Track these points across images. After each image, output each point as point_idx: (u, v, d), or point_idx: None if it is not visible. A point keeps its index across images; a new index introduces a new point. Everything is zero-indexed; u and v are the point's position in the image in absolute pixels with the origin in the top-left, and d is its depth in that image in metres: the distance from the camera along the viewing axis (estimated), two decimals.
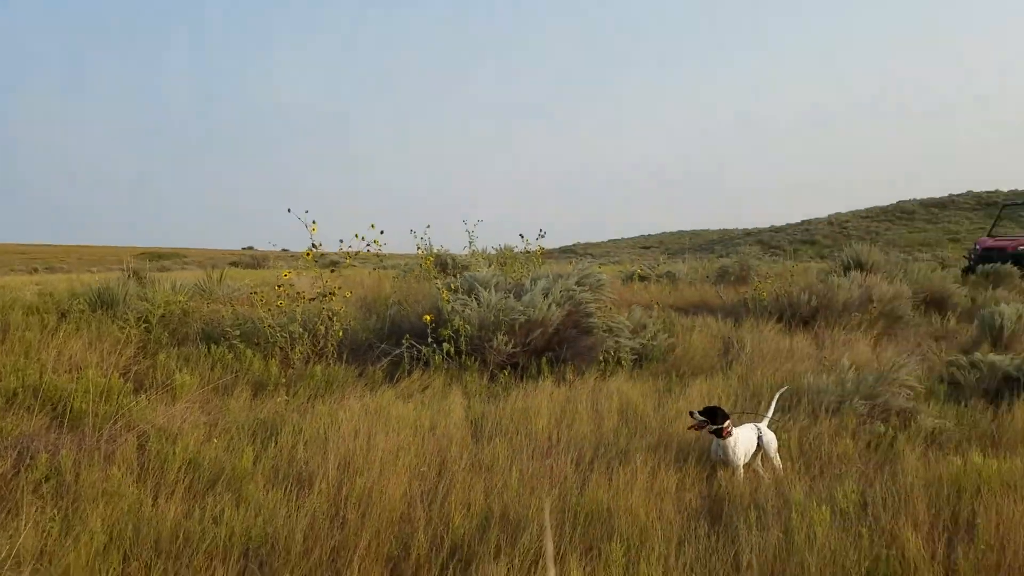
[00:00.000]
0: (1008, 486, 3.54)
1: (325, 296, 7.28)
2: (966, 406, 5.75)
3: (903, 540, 3.10)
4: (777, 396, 5.05)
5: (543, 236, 10.31)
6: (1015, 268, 14.50)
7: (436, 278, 9.43)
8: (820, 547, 3.02)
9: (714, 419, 4.49)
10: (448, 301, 7.53)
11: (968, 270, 15.37)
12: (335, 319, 7.26)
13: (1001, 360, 6.40)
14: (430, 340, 7.14)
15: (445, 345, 7.09)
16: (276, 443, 4.50)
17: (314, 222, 7.49)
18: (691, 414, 4.56)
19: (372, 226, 8.62)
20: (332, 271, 8.24)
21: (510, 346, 7.42)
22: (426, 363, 7.05)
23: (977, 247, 17.49)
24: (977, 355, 6.73)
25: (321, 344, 7.01)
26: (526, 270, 10.47)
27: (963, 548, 3.02)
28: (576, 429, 5.12)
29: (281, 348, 6.77)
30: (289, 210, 7.44)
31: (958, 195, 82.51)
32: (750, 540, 3.14)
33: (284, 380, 6.13)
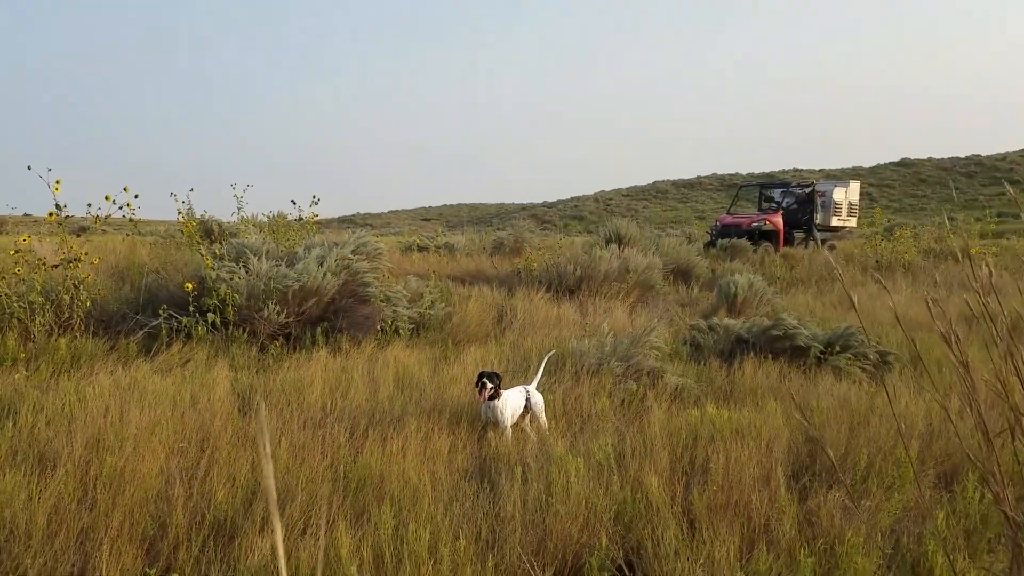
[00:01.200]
0: (737, 433, 4.04)
1: (70, 263, 6.54)
2: (705, 365, 6.44)
3: (647, 485, 3.43)
4: (545, 360, 5.34)
5: (317, 203, 9.98)
6: (749, 242, 16.49)
7: (200, 244, 8.82)
8: (575, 495, 3.25)
9: (485, 383, 4.65)
10: (213, 268, 7.08)
11: (710, 244, 17.21)
12: (82, 288, 6.55)
13: (734, 324, 7.24)
14: (192, 310, 6.68)
15: (210, 315, 6.67)
16: (14, 423, 4.01)
17: (57, 182, 6.69)
18: (480, 383, 4.66)
19: (126, 189, 7.86)
20: (79, 236, 7.43)
21: (283, 316, 7.15)
22: (188, 335, 6.59)
23: (717, 224, 19.62)
24: (715, 320, 7.56)
25: (66, 315, 6.31)
26: (299, 238, 10.11)
27: (698, 490, 3.40)
28: (351, 399, 5.07)
29: (20, 320, 6.00)
30: (29, 167, 6.58)
31: (705, 177, 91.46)
32: (513, 493, 3.31)
33: (24, 355, 5.45)
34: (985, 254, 15.04)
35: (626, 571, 2.94)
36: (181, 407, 4.49)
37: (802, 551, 2.88)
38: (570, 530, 3.08)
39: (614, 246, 10.73)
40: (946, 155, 75.36)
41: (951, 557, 2.84)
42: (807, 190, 20.23)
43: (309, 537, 3.10)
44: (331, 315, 7.67)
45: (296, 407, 4.80)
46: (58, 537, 2.98)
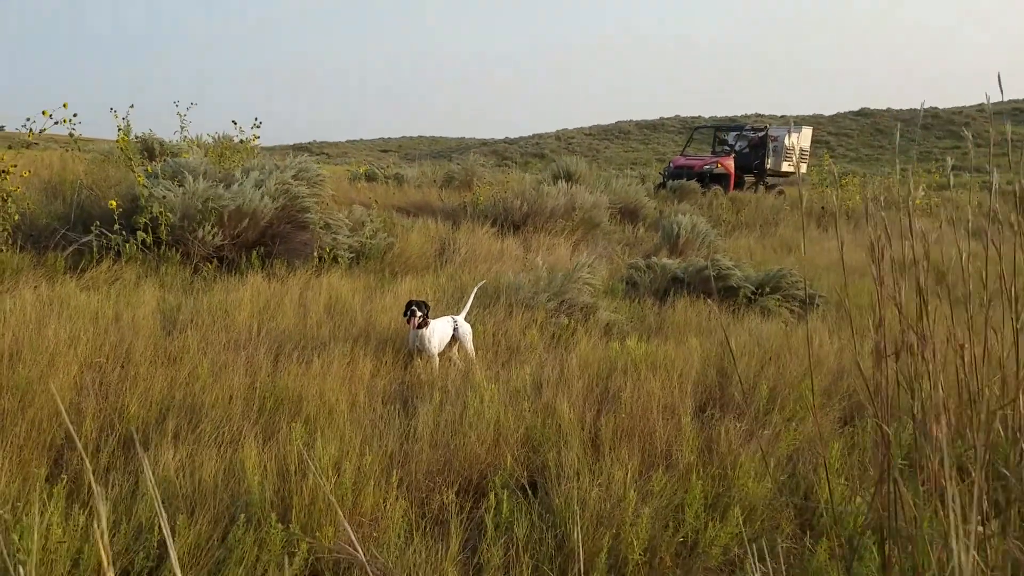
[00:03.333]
0: (652, 366, 4.15)
1: None
2: (639, 303, 6.56)
3: (559, 411, 3.53)
4: (474, 290, 5.37)
5: (259, 125, 9.72)
6: (699, 184, 16.63)
7: (133, 161, 8.56)
8: (487, 419, 3.33)
9: (415, 311, 4.67)
10: (145, 186, 6.90)
11: (661, 186, 17.29)
12: (10, 200, 6.35)
13: (671, 263, 7.35)
14: (118, 228, 6.53)
15: (140, 234, 6.53)
16: None
17: None
18: (409, 311, 4.67)
19: (65, 105, 7.55)
20: (11, 149, 7.14)
21: (218, 238, 7.04)
22: (119, 254, 6.46)
23: (671, 165, 19.70)
24: (654, 259, 7.66)
25: None
26: (241, 161, 9.86)
27: (607, 417, 3.51)
28: (279, 322, 5.05)
29: None
30: None
31: (668, 118, 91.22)
32: (427, 416, 3.37)
33: None
34: (929, 204, 15.42)
35: (529, 491, 3.03)
36: (103, 322, 4.43)
37: (695, 474, 3.01)
38: (477, 451, 3.16)
39: (562, 183, 10.73)
40: (905, 106, 76.10)
41: (834, 484, 3.00)
42: (760, 134, 20.35)
43: (219, 450, 3.13)
44: (268, 240, 7.57)
45: (222, 328, 4.78)
46: None
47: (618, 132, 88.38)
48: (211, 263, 6.85)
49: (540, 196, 9.64)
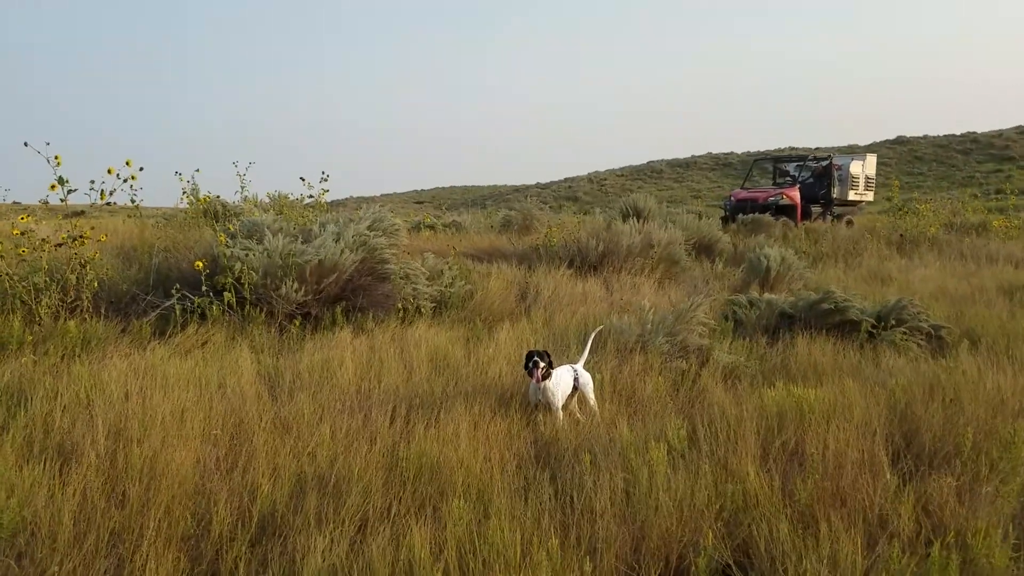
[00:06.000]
0: (826, 414, 3.69)
1: (75, 240, 6.13)
2: (753, 342, 6.09)
3: (741, 474, 3.09)
4: (592, 336, 4.98)
5: (326, 179, 9.55)
6: (772, 216, 16.11)
7: (209, 224, 8.42)
8: (673, 488, 2.90)
9: (538, 362, 4.30)
10: (227, 245, 6.69)
11: (727, 219, 16.78)
12: (88, 267, 6.14)
13: (777, 298, 6.89)
14: (205, 290, 6.29)
15: (226, 295, 6.28)
16: (26, 411, 3.63)
17: (57, 156, 6.25)
18: (532, 362, 4.31)
19: (128, 163, 7.42)
20: (78, 217, 7.01)
21: (300, 294, 6.77)
22: (202, 316, 6.20)
23: (732, 198, 19.18)
24: (754, 294, 7.21)
25: (73, 297, 5.91)
26: (309, 217, 9.68)
27: (799, 478, 3.06)
28: (386, 380, 4.71)
29: (24, 302, 5.60)
30: (26, 144, 6.15)
31: (699, 156, 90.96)
32: (600, 486, 2.96)
33: (31, 338, 5.06)
34: (1008, 227, 14.74)
35: (735, 572, 2.59)
36: (207, 392, 4.12)
37: (935, 545, 2.54)
38: (669, 525, 2.73)
39: (633, 220, 10.36)
40: (942, 132, 74.76)
41: None
42: (824, 163, 19.77)
43: (369, 535, 2.75)
44: (349, 293, 7.29)
45: (330, 390, 4.45)
46: (87, 539, 2.62)
47: (650, 172, 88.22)
48: (295, 320, 6.57)
49: (615, 235, 9.28)
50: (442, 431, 3.72)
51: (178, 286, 6.25)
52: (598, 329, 5.24)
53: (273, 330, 6.35)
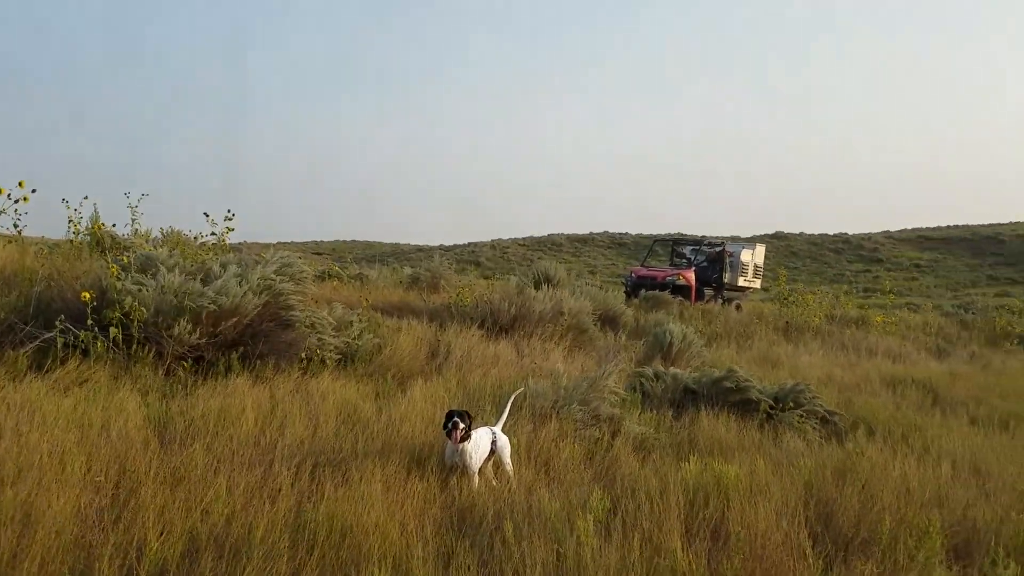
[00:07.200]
0: (747, 492, 3.67)
1: None
2: (660, 414, 6.13)
3: (669, 549, 3.00)
4: (511, 399, 4.85)
5: (232, 218, 9.12)
6: (671, 295, 16.70)
7: (95, 254, 7.84)
8: (603, 564, 2.77)
9: (458, 423, 4.13)
10: (118, 278, 6.22)
11: (628, 295, 17.21)
12: None
13: (681, 373, 6.99)
14: (91, 323, 5.79)
15: (112, 330, 5.79)
16: None
17: None
18: (452, 422, 4.12)
19: (21, 184, 6.85)
20: None
21: (195, 336, 6.33)
22: (85, 352, 5.69)
23: (632, 275, 19.80)
24: (659, 367, 7.29)
25: None
26: (208, 255, 9.18)
27: (724, 558, 2.99)
28: (290, 433, 4.40)
29: None
30: None
31: (597, 234, 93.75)
32: (529, 556, 2.80)
33: None
34: (886, 322, 15.75)
35: None
36: (90, 433, 3.71)
37: None
38: None
39: (545, 287, 10.42)
40: (816, 231, 79.95)
41: None
42: (718, 249, 20.80)
43: None
44: (249, 339, 6.88)
45: (227, 440, 4.10)
46: None
47: (551, 244, 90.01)
48: (185, 363, 6.13)
49: (527, 300, 9.27)
50: (353, 491, 3.47)
51: (62, 317, 5.73)
52: (517, 392, 5.12)
53: (160, 373, 5.90)
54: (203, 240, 10.39)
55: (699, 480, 3.80)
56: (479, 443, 4.25)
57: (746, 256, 21.08)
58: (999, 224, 66.06)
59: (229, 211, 9.22)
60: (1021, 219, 64.57)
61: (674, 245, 22.52)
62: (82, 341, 5.68)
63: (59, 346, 5.47)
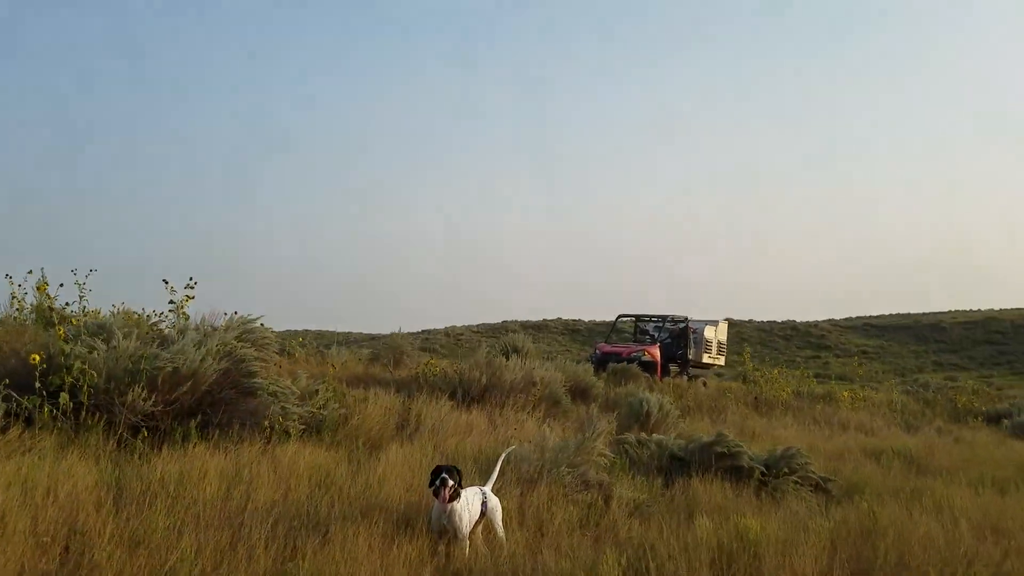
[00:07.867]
0: (780, 548, 3.38)
1: None
2: (648, 480, 5.84)
3: None
4: (502, 459, 4.52)
5: (194, 286, 8.66)
6: (640, 368, 16.54)
7: (40, 325, 7.36)
8: None
9: (446, 479, 3.78)
10: (66, 340, 5.78)
11: (597, 369, 16.97)
12: None
13: (666, 439, 6.73)
14: (38, 387, 5.32)
15: (62, 396, 5.32)
16: None
17: None
18: (440, 479, 3.77)
19: None
20: None
21: (149, 403, 5.87)
22: (28, 420, 5.20)
23: (598, 351, 19.63)
24: (642, 435, 7.02)
25: None
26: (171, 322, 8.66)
27: None
28: (260, 496, 3.99)
29: None
30: None
31: (551, 320, 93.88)
32: None
33: None
34: (854, 398, 15.79)
35: None
36: (35, 495, 3.27)
37: None
38: None
39: (515, 357, 10.15)
40: (765, 318, 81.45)
41: None
42: (681, 325, 20.80)
43: None
44: (208, 407, 6.43)
45: (191, 503, 3.68)
46: None
47: (504, 331, 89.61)
48: (139, 433, 5.65)
49: (498, 369, 8.97)
50: (336, 552, 3.09)
51: (7, 382, 5.25)
52: (509, 450, 4.81)
53: (112, 443, 5.41)
54: (157, 320, 9.90)
55: (720, 536, 3.49)
56: (469, 504, 3.90)
57: (709, 333, 21.12)
58: (940, 312, 68.25)
59: (191, 278, 8.75)
60: (959, 308, 66.90)
61: (637, 321, 22.49)
62: (25, 408, 5.20)
63: (0, 413, 4.98)
